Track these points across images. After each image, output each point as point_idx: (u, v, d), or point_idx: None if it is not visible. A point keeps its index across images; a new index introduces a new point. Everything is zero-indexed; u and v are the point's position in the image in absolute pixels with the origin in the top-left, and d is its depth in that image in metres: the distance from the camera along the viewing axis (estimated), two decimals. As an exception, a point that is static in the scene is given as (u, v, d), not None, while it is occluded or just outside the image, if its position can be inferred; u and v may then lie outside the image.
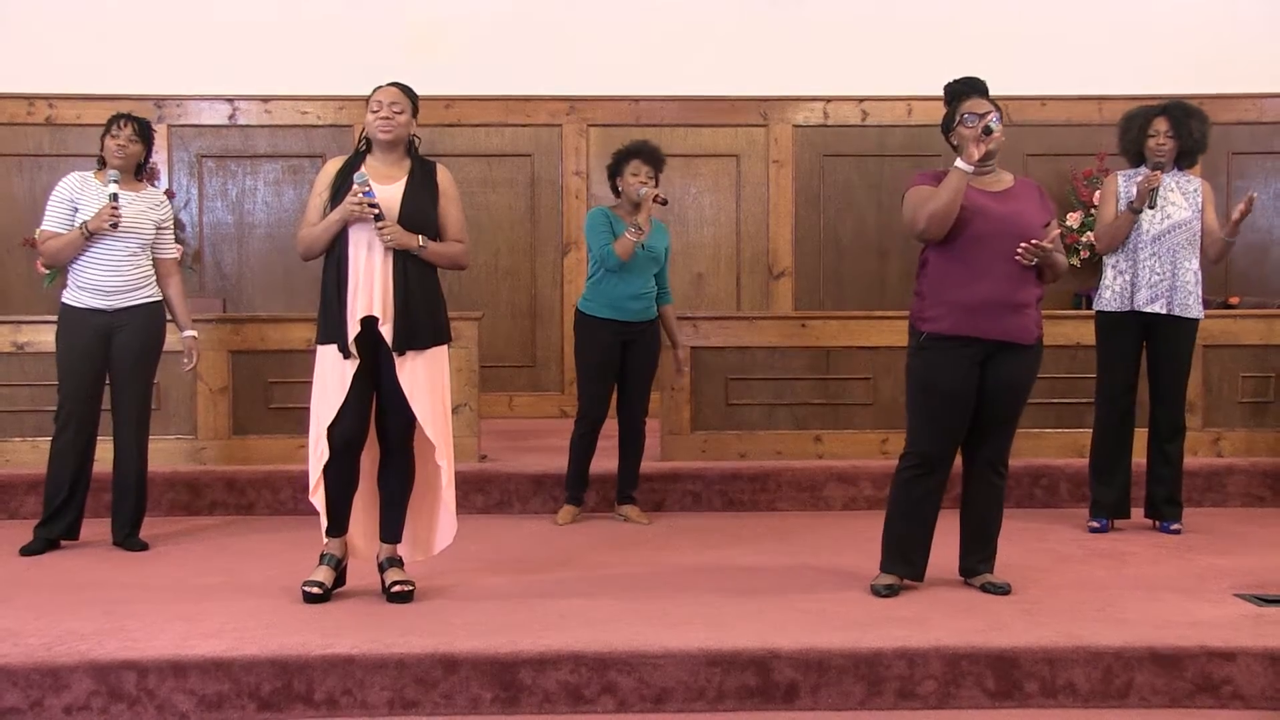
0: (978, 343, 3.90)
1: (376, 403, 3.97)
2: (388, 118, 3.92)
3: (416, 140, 4.05)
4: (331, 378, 3.88)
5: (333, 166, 3.99)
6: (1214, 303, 6.62)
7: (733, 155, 7.70)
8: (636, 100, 7.59)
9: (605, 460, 5.32)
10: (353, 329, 3.85)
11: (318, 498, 3.93)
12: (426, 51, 7.49)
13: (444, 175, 4.05)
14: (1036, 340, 3.97)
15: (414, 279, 3.89)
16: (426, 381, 3.90)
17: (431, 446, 3.94)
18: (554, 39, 7.57)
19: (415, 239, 3.89)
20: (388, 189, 3.91)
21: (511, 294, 7.65)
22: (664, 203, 5.06)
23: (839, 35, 7.59)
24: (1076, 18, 7.66)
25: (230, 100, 7.54)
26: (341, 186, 3.89)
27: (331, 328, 3.88)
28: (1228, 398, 5.79)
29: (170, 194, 7.42)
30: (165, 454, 5.56)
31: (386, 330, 3.86)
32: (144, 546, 4.75)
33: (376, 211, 3.82)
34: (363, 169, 3.88)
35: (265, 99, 7.50)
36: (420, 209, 3.93)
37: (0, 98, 7.42)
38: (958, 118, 3.97)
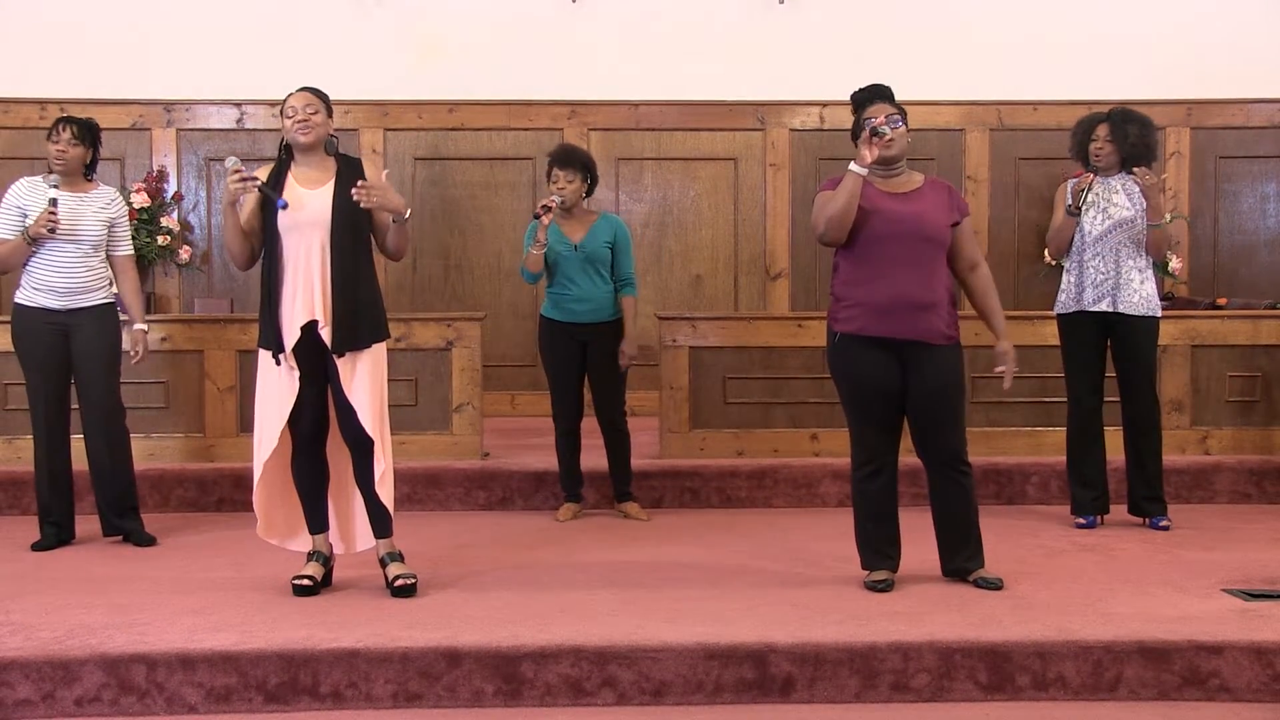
0: (888, 342, 3.95)
1: (333, 403, 4.00)
2: (304, 120, 3.93)
3: (335, 140, 4.06)
4: (275, 382, 3.92)
5: (261, 175, 3.98)
6: (1201, 303, 6.69)
7: (730, 159, 7.75)
8: (636, 105, 7.65)
9: (602, 457, 5.37)
10: (289, 337, 3.87)
11: (257, 496, 3.97)
12: (430, 56, 7.56)
13: (370, 169, 4.05)
14: (948, 340, 3.99)
15: (351, 281, 3.90)
16: (368, 379, 3.92)
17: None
18: (556, 44, 7.62)
19: (404, 207, 3.91)
20: (317, 192, 3.92)
21: (514, 295, 7.70)
22: (545, 211, 4.99)
23: (834, 41, 7.64)
24: (1067, 24, 7.70)
25: (238, 104, 7.60)
26: (274, 189, 3.90)
27: (266, 335, 3.91)
28: (1215, 396, 5.85)
29: (179, 197, 7.51)
30: (174, 451, 5.63)
31: (326, 333, 3.88)
32: (152, 541, 4.80)
33: (258, 182, 3.82)
34: (234, 156, 3.90)
35: (272, 103, 7.51)
36: (351, 209, 3.91)
37: (12, 102, 7.48)
38: (861, 124, 4.02)
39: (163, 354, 5.65)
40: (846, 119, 7.56)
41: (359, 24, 7.60)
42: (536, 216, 4.99)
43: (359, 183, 3.84)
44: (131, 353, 4.88)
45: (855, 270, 3.98)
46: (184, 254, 7.42)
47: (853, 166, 3.92)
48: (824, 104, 7.73)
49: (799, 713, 3.39)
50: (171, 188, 7.51)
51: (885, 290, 3.91)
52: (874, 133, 3.92)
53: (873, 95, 4.06)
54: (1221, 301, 6.87)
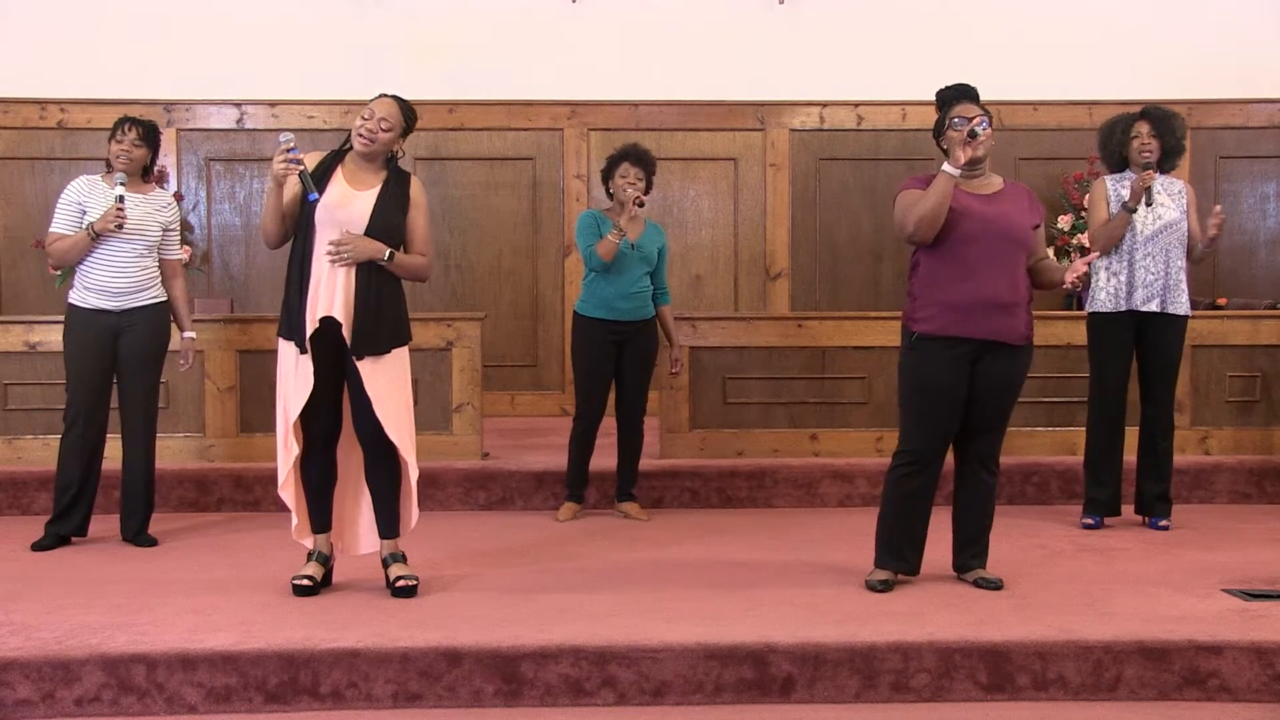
0: (968, 342, 3.94)
1: (348, 401, 4.00)
2: (371, 131, 3.93)
3: (400, 153, 4.06)
4: (296, 374, 3.90)
5: (311, 161, 3.97)
6: (1201, 303, 6.70)
7: (730, 159, 7.77)
8: (636, 105, 7.66)
9: (605, 458, 5.37)
10: (310, 327, 3.87)
11: (287, 492, 3.96)
12: (430, 56, 7.57)
13: (416, 187, 4.05)
14: (1026, 341, 4.02)
15: (375, 284, 3.90)
16: (387, 384, 3.93)
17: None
18: (555, 44, 7.64)
19: (382, 251, 3.90)
20: (361, 195, 3.93)
21: (514, 295, 7.72)
22: (641, 205, 5.10)
23: (834, 41, 7.67)
24: (1068, 24, 7.73)
25: (238, 105, 7.61)
26: (320, 178, 3.91)
27: (291, 325, 3.91)
28: (1215, 397, 5.86)
29: (179, 196, 7.51)
30: (174, 451, 5.64)
31: (346, 334, 3.88)
32: (153, 542, 4.81)
33: (301, 168, 3.81)
34: (290, 132, 3.89)
35: (272, 103, 7.57)
36: (388, 219, 3.93)
37: (13, 102, 7.50)
38: (947, 122, 4.04)
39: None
40: (845, 119, 7.78)
41: (358, 24, 7.61)
42: (637, 203, 5.07)
43: (330, 244, 3.85)
44: (181, 360, 4.96)
45: (939, 270, 3.97)
46: (184, 254, 7.41)
47: (946, 167, 3.93)
48: (824, 104, 7.74)
49: (799, 713, 3.39)
50: (171, 187, 7.51)
51: (970, 290, 3.92)
52: (970, 134, 3.93)
53: (959, 94, 4.06)
54: (1221, 301, 6.88)
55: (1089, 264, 4.01)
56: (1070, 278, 3.95)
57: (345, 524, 4.15)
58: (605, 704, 3.41)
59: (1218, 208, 5.00)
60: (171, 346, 4.97)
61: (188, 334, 4.96)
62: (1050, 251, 7.47)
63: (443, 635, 3.51)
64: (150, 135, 4.84)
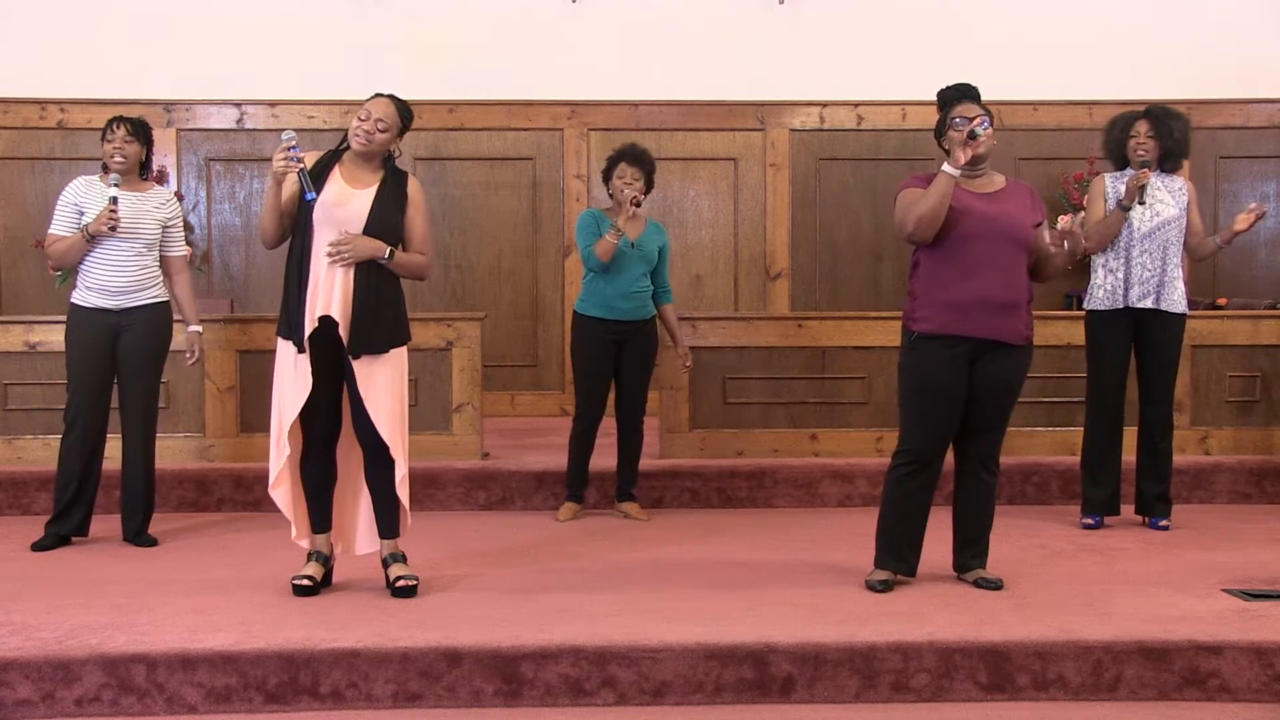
0: (967, 342, 3.94)
1: (348, 401, 4.00)
2: (369, 132, 3.93)
3: (396, 152, 4.06)
4: (293, 373, 3.90)
5: (310, 160, 3.97)
6: (1201, 303, 6.70)
7: (730, 159, 7.77)
8: (636, 105, 7.67)
9: (605, 457, 5.37)
10: (308, 326, 3.87)
11: (278, 491, 3.95)
12: (430, 56, 7.57)
13: (414, 186, 4.05)
14: (1026, 341, 4.01)
15: (373, 284, 3.90)
16: (383, 384, 3.92)
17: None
18: (555, 44, 7.64)
19: (383, 249, 3.90)
20: (359, 194, 3.93)
21: (514, 295, 7.72)
22: (638, 204, 5.10)
23: (834, 41, 7.67)
24: (1068, 24, 7.74)
25: (238, 105, 7.61)
26: (317, 177, 3.91)
27: (289, 324, 3.91)
28: (1215, 397, 5.86)
29: (179, 196, 7.52)
30: (174, 451, 5.63)
31: (343, 333, 3.88)
32: (153, 542, 4.81)
33: (301, 167, 3.82)
34: (292, 130, 3.89)
35: (272, 103, 7.57)
36: (385, 218, 3.93)
37: (13, 102, 7.50)
38: (948, 122, 4.04)
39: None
40: (845, 119, 7.79)
41: (358, 24, 7.62)
42: (634, 203, 5.07)
43: (329, 245, 3.86)
44: (188, 354, 4.96)
45: (939, 269, 3.97)
46: (186, 251, 7.40)
47: (946, 168, 3.93)
48: (824, 104, 7.74)
49: (799, 713, 3.39)
50: (171, 187, 7.51)
51: (970, 290, 3.91)
52: (970, 134, 3.93)
53: (960, 94, 4.06)
54: (1221, 301, 6.88)
55: (1078, 221, 3.98)
56: (1049, 235, 3.93)
57: (345, 524, 4.15)
58: (605, 704, 3.41)
59: (1253, 205, 5.01)
60: (174, 346, 4.97)
61: (193, 328, 4.95)
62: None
63: (443, 635, 3.50)
64: (139, 131, 4.82)
